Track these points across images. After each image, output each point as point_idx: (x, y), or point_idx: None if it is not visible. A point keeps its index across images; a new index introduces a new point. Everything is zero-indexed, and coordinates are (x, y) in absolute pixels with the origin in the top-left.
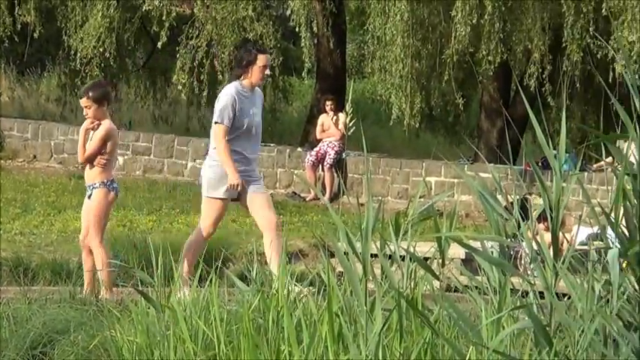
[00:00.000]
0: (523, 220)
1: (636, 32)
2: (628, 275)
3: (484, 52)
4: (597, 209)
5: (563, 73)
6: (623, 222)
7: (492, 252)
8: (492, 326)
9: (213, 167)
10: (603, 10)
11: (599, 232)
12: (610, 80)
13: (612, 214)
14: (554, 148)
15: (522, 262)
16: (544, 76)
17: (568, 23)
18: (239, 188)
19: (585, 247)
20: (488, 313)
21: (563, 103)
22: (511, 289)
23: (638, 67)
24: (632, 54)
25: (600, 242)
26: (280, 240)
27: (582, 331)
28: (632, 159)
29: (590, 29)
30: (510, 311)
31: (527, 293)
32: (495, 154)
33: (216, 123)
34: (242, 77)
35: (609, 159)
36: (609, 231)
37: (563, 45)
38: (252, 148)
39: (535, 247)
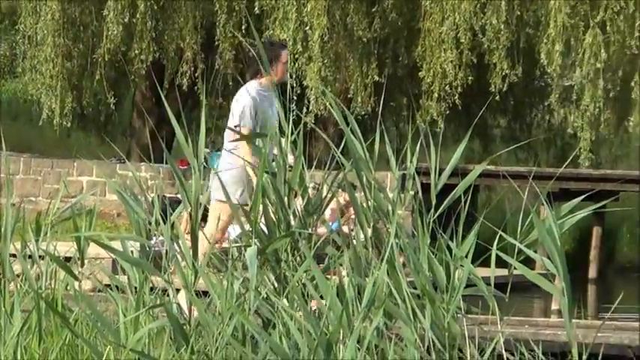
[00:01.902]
0: (165, 219)
1: (287, 30)
2: (267, 273)
3: (136, 51)
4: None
5: (215, 71)
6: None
7: (133, 251)
8: (131, 325)
9: (228, 169)
10: (256, 8)
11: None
12: None
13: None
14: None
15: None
16: (197, 74)
17: (220, 22)
18: None
19: (236, 245)
20: (128, 312)
21: (209, 102)
22: (154, 287)
23: (289, 65)
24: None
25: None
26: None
27: (221, 328)
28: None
29: (243, 27)
30: (148, 310)
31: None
32: (149, 152)
33: (236, 127)
34: (262, 76)
35: None
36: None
37: (216, 43)
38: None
39: (177, 245)
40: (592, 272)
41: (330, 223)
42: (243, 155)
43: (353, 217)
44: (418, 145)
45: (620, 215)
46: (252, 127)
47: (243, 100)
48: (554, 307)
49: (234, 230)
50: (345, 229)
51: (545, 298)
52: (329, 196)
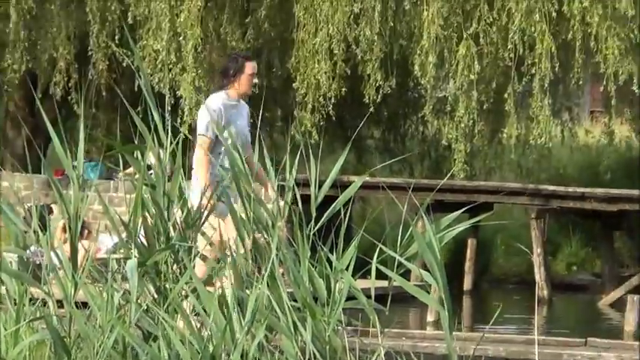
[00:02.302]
0: (44, 230)
1: (161, 40)
2: (148, 285)
3: (9, 61)
4: (117, 218)
5: (89, 82)
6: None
7: (12, 262)
8: (12, 338)
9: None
10: (129, 18)
11: (117, 242)
12: (136, 89)
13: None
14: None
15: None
16: (70, 84)
17: (94, 32)
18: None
19: (116, 256)
20: (8, 324)
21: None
22: (33, 299)
23: (163, 76)
24: (158, 62)
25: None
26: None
27: (102, 341)
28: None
29: (116, 37)
30: (29, 322)
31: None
32: (24, 162)
33: (199, 135)
34: (228, 87)
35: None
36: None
37: (90, 53)
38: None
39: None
40: (467, 284)
41: None
42: (198, 163)
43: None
44: (297, 156)
45: (495, 227)
46: (216, 139)
47: (207, 112)
48: (429, 318)
49: (111, 240)
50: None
51: (422, 308)
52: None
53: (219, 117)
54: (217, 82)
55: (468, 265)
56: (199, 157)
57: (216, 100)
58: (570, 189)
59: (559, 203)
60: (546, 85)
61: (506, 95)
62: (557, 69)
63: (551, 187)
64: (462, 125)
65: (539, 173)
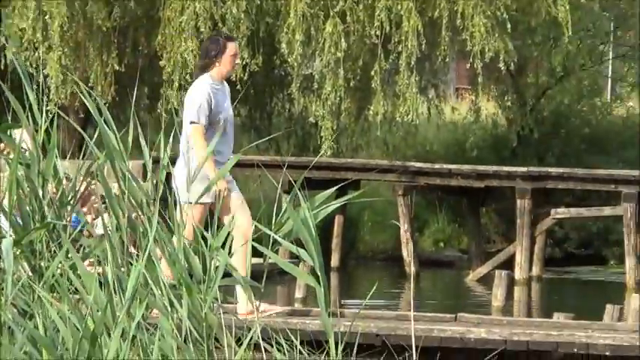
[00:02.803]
0: None
1: (27, 19)
2: (22, 263)
3: None
4: None
5: None
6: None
7: None
8: None
9: (190, 169)
10: None
11: None
12: (3, 67)
13: (5, 202)
14: None
15: None
16: None
17: None
18: (225, 193)
19: None
20: None
21: None
22: None
23: (29, 55)
24: (24, 41)
25: None
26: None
27: None
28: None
29: None
30: None
31: None
32: None
33: (192, 123)
34: (211, 69)
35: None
36: (3, 220)
37: None
38: (229, 145)
39: None
40: (334, 261)
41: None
42: (198, 151)
43: (96, 205)
44: (172, 134)
45: (362, 204)
46: (206, 125)
47: (198, 96)
48: (297, 295)
49: None
50: (89, 218)
51: (290, 284)
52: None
53: (209, 102)
54: (197, 64)
55: (335, 242)
56: (199, 143)
57: (204, 85)
58: (437, 166)
59: (426, 180)
60: (413, 62)
61: (372, 73)
62: (423, 46)
63: (418, 164)
64: (329, 103)
65: (406, 150)
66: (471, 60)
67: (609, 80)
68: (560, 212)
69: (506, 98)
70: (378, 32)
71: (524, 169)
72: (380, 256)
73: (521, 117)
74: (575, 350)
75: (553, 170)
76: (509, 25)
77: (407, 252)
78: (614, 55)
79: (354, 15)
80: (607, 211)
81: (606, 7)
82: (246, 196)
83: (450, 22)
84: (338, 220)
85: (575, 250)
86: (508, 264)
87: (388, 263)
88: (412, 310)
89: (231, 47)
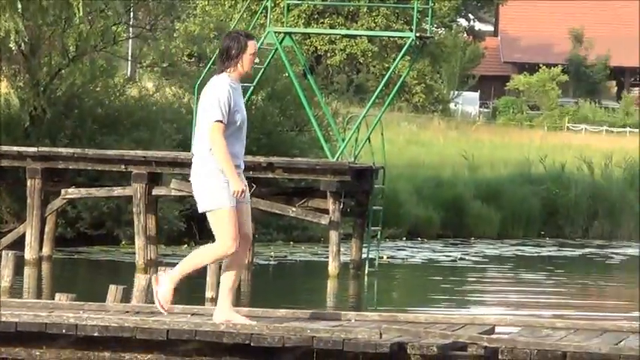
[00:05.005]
0: None
1: None
2: None
3: None
4: None
5: None
6: None
7: None
8: None
9: (215, 174)
10: None
11: None
12: None
13: None
14: None
15: None
16: None
17: None
18: (242, 195)
19: None
20: None
21: None
22: None
23: None
24: None
25: None
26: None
27: None
28: None
29: None
30: None
31: None
32: None
33: (216, 122)
34: (231, 68)
35: None
36: None
37: None
38: (243, 146)
39: None
40: None
41: None
42: (220, 153)
43: None
44: None
45: None
46: (226, 122)
47: (221, 95)
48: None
49: None
50: None
51: None
52: None
53: (229, 101)
54: (219, 63)
55: None
56: (219, 142)
57: (224, 85)
58: None
59: None
60: None
61: None
62: None
63: None
64: None
65: None
66: None
67: (129, 61)
68: (71, 192)
69: (18, 78)
70: None
71: (34, 149)
72: None
73: (33, 97)
74: (64, 331)
75: (64, 150)
76: (20, 5)
77: None
78: (133, 35)
79: None
80: (117, 191)
81: None
82: None
83: None
84: None
85: (87, 230)
86: (20, 244)
87: None
88: None
89: (251, 45)
